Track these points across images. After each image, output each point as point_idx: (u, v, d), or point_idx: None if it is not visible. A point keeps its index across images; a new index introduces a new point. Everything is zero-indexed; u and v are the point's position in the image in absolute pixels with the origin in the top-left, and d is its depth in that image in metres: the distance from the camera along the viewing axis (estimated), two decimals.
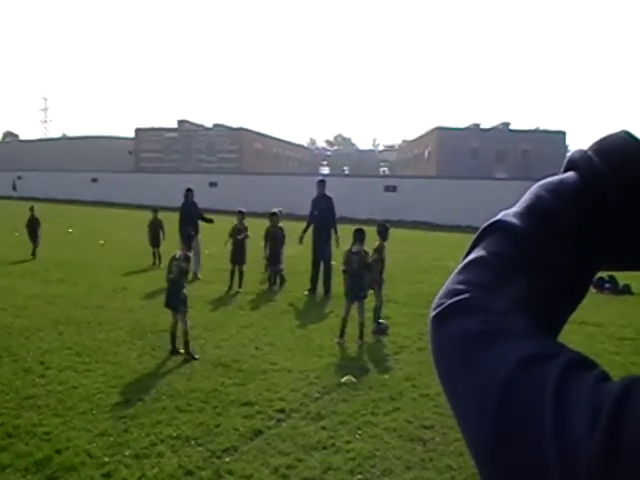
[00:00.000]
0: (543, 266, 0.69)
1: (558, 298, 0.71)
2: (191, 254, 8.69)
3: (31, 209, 18.18)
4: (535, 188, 0.75)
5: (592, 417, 0.52)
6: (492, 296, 0.67)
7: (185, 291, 8.48)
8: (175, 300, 8.28)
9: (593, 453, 0.50)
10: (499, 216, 0.75)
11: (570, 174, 0.74)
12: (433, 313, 0.70)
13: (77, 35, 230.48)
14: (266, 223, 14.29)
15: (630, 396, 0.52)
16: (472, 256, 0.73)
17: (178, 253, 8.51)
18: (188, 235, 8.82)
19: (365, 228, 9.80)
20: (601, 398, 0.53)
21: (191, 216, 14.73)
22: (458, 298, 0.68)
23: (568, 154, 0.78)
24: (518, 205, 0.75)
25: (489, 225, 0.74)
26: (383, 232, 10.19)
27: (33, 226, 17.94)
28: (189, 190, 15.39)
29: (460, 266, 0.73)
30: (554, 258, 0.69)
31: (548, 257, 0.69)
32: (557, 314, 0.72)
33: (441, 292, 0.72)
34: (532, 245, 0.69)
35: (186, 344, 8.15)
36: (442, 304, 0.70)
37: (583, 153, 0.74)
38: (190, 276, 11.58)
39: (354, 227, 9.80)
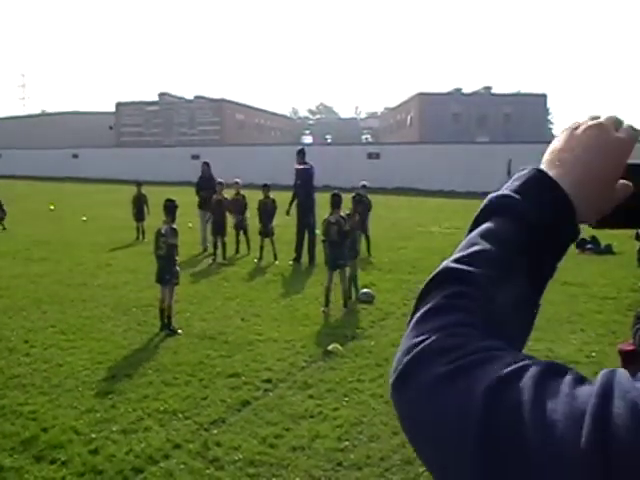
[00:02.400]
0: (494, 299, 0.69)
1: (515, 319, 0.71)
2: (175, 226, 8.41)
3: None
4: (471, 237, 0.76)
5: (576, 422, 0.52)
6: (450, 334, 0.65)
7: (177, 267, 8.40)
8: (167, 274, 8.21)
9: (584, 453, 0.50)
10: (443, 264, 0.74)
11: (500, 219, 0.75)
12: (393, 377, 0.66)
13: (54, 9, 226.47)
14: (250, 195, 14.28)
15: (610, 398, 0.52)
16: (424, 308, 0.70)
17: (164, 228, 8.30)
18: (171, 206, 8.45)
19: (350, 197, 9.77)
20: (581, 402, 0.53)
21: (207, 189, 14.58)
22: (419, 348, 0.65)
23: (487, 199, 0.78)
24: (458, 252, 0.75)
25: (436, 274, 0.72)
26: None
27: None
28: (205, 163, 15.28)
29: (413, 321, 0.70)
30: (502, 288, 0.70)
31: (497, 289, 0.70)
32: (518, 334, 0.73)
33: (397, 353, 0.68)
34: (480, 282, 0.70)
35: (169, 319, 8.12)
36: (400, 363, 0.66)
37: (506, 196, 0.76)
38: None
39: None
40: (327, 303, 9.12)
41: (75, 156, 51.93)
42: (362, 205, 12.53)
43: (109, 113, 75.33)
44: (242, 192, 14.31)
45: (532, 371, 0.58)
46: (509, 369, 0.59)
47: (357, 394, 6.16)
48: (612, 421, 0.50)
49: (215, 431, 5.35)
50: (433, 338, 0.65)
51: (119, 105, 74.55)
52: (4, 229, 17.31)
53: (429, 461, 0.63)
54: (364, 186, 13.71)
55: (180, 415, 5.66)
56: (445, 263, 0.74)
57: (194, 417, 5.61)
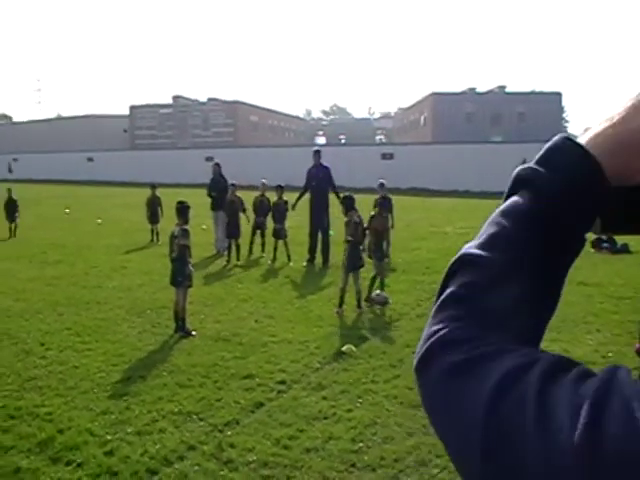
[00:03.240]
0: (512, 288, 0.69)
1: (534, 311, 0.71)
2: (188, 227, 8.42)
3: (8, 191, 18.09)
4: (493, 216, 0.76)
5: (573, 417, 0.52)
6: (466, 325, 0.68)
7: (191, 267, 8.41)
8: (180, 276, 8.23)
9: (573, 452, 0.51)
10: (463, 250, 0.75)
11: (523, 195, 0.74)
12: (415, 362, 0.70)
13: (69, 15, 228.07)
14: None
15: (607, 394, 0.53)
16: (444, 295, 0.73)
17: (176, 229, 8.32)
18: (183, 208, 8.42)
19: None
20: (581, 397, 0.54)
21: (219, 190, 14.62)
22: (437, 336, 0.68)
23: (514, 172, 0.76)
24: (479, 236, 0.75)
25: (455, 261, 0.74)
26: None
27: (11, 207, 17.92)
28: (216, 164, 15.30)
29: (434, 309, 0.73)
30: (522, 279, 0.70)
31: (516, 279, 0.70)
32: (535, 325, 0.72)
33: (421, 340, 0.71)
34: (498, 271, 0.70)
35: (182, 321, 8.14)
36: (421, 350, 0.70)
37: (530, 169, 0.74)
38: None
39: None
40: (341, 304, 9.12)
41: (90, 159, 52.27)
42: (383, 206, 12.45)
43: (123, 116, 75.75)
44: (266, 194, 14.27)
45: (540, 365, 0.59)
46: (518, 363, 0.60)
47: (371, 395, 6.15)
48: (606, 418, 0.51)
49: (229, 432, 5.36)
50: (449, 328, 0.68)
51: (133, 108, 74.93)
52: (14, 236, 17.45)
53: (445, 441, 0.65)
54: (382, 184, 13.43)
55: (194, 416, 5.67)
56: (466, 247, 0.74)
57: (208, 418, 5.63)
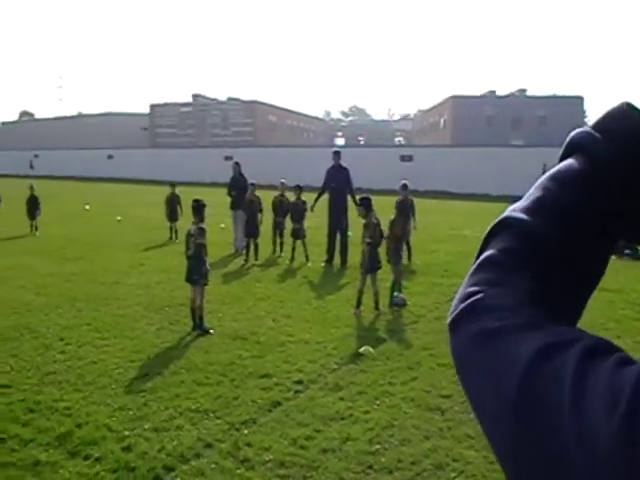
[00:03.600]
0: (555, 259, 0.67)
1: (573, 287, 0.69)
2: (204, 226, 8.45)
3: (30, 188, 18.23)
4: (542, 180, 0.72)
5: (612, 401, 0.50)
6: (506, 293, 0.66)
7: (207, 265, 8.44)
8: (196, 274, 8.26)
9: (613, 436, 0.48)
10: (507, 212, 0.73)
11: (576, 159, 0.71)
12: (449, 319, 0.69)
13: (91, 13, 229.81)
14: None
15: None
16: (483, 257, 0.71)
17: (192, 228, 8.36)
18: (198, 206, 8.45)
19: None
20: (621, 382, 0.51)
21: (238, 189, 14.68)
22: (471, 300, 0.67)
23: (569, 135, 0.73)
24: (525, 199, 0.72)
25: (497, 223, 0.72)
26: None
27: (32, 205, 18.08)
28: (236, 163, 15.34)
29: (472, 268, 0.72)
30: (566, 249, 0.67)
31: (559, 248, 0.67)
32: (574, 301, 0.70)
33: (455, 298, 0.71)
34: (542, 238, 0.68)
35: (200, 319, 8.17)
36: (456, 309, 0.69)
37: (587, 133, 0.70)
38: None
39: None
40: (359, 305, 9.10)
41: (110, 157, 52.63)
42: (405, 209, 12.39)
43: (143, 114, 76.20)
44: (286, 194, 14.34)
45: (580, 344, 0.57)
46: (556, 339, 0.59)
47: (388, 397, 6.12)
48: None
49: (246, 431, 5.37)
50: (485, 293, 0.67)
51: (153, 106, 75.35)
52: (36, 230, 17.64)
53: (471, 400, 0.65)
54: (405, 186, 13.30)
55: (211, 414, 5.68)
56: (509, 210, 0.73)
57: (225, 417, 5.64)
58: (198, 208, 8.41)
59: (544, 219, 0.68)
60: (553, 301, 0.66)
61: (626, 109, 0.69)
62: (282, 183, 14.37)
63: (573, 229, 0.67)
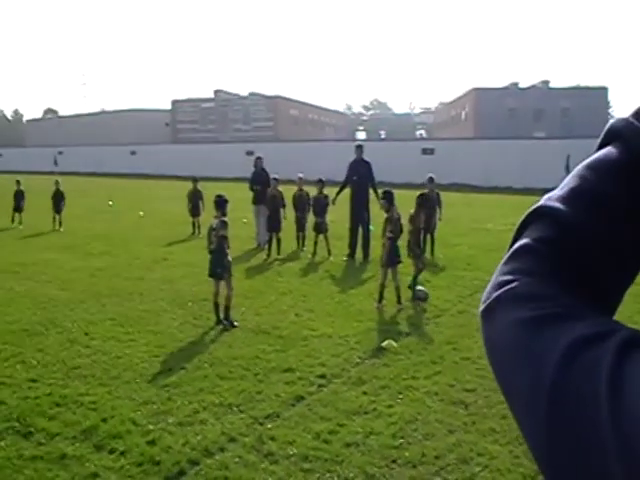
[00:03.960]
0: (591, 250, 0.65)
1: (610, 279, 0.67)
2: (226, 219, 8.50)
3: (56, 183, 18.46)
4: (579, 168, 0.70)
5: None
6: (540, 282, 0.65)
7: (229, 258, 8.49)
8: (219, 267, 8.30)
9: None
10: (542, 201, 0.71)
11: (613, 147, 0.68)
12: (482, 307, 0.69)
13: (114, 10, 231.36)
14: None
15: None
16: (517, 245, 0.70)
17: (215, 222, 8.41)
18: (221, 201, 8.51)
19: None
20: None
21: (261, 184, 14.73)
22: (505, 288, 0.66)
23: (609, 123, 0.71)
24: (561, 187, 0.70)
25: (532, 212, 0.70)
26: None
27: (57, 199, 18.29)
28: (258, 158, 15.38)
29: (506, 256, 0.70)
30: (603, 240, 0.65)
31: (596, 240, 0.65)
32: (610, 294, 0.68)
33: (488, 286, 0.70)
34: (578, 229, 0.66)
35: (227, 310, 8.21)
36: (489, 297, 0.68)
37: (626, 122, 0.68)
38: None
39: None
40: (381, 299, 9.08)
41: (133, 153, 53.04)
42: (430, 201, 12.42)
43: (165, 110, 76.67)
44: (304, 188, 14.36)
45: (616, 337, 0.55)
46: (593, 330, 0.57)
47: (412, 391, 6.10)
48: None
49: (269, 425, 5.38)
50: (520, 282, 0.66)
51: (175, 102, 75.78)
52: (60, 225, 17.83)
53: (503, 389, 0.64)
54: (431, 179, 13.42)
55: (235, 409, 5.70)
56: (545, 199, 0.71)
57: (249, 411, 5.65)
58: (220, 203, 8.46)
59: (580, 208, 0.67)
60: (589, 292, 0.65)
61: None
62: (300, 178, 14.35)
63: (609, 219, 0.65)
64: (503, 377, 0.64)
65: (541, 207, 0.70)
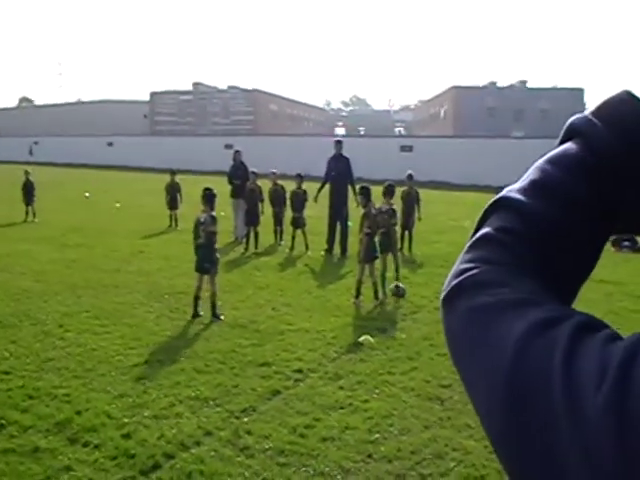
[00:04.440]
0: (551, 240, 0.67)
1: (569, 268, 0.69)
2: (213, 213, 8.48)
3: (26, 173, 18.09)
4: (539, 162, 0.73)
5: (599, 374, 0.51)
6: (501, 270, 0.66)
7: (217, 254, 8.48)
8: (207, 262, 8.28)
9: (598, 409, 0.49)
10: (503, 192, 0.72)
11: (574, 143, 0.71)
12: (442, 295, 0.69)
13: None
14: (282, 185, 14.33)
15: (637, 352, 0.51)
16: (478, 234, 0.71)
17: (203, 216, 8.34)
18: (210, 195, 8.47)
19: (381, 189, 9.78)
20: (609, 356, 0.52)
21: (239, 178, 14.65)
22: (466, 275, 0.67)
23: (569, 120, 0.74)
24: (522, 180, 0.72)
25: (494, 202, 0.72)
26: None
27: (28, 190, 17.88)
28: (237, 152, 15.32)
29: (467, 246, 0.72)
30: (562, 230, 0.67)
31: (556, 230, 0.67)
32: (569, 283, 0.70)
33: (449, 275, 0.70)
34: (538, 219, 0.68)
35: (213, 306, 8.19)
36: (450, 284, 0.69)
37: (586, 119, 0.71)
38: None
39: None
40: (358, 295, 9.09)
41: (110, 144, 52.49)
42: (409, 198, 12.53)
43: (144, 102, 75.99)
44: (279, 182, 14.32)
45: (571, 321, 0.57)
46: (549, 315, 0.59)
47: (388, 387, 6.13)
48: (633, 378, 0.49)
49: (246, 419, 5.37)
50: (480, 269, 0.66)
51: (154, 94, 75.10)
52: (33, 219, 17.49)
53: (462, 375, 0.65)
54: (410, 176, 13.49)
55: (211, 402, 5.69)
56: (506, 191, 0.72)
57: (225, 405, 5.64)
58: (209, 197, 8.45)
59: (541, 200, 0.68)
60: (548, 281, 0.66)
61: (626, 97, 0.69)
62: (273, 173, 14.35)
63: (569, 212, 0.67)
64: (462, 363, 0.65)
65: (502, 198, 0.71)
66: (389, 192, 9.86)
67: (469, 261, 0.69)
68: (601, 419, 0.49)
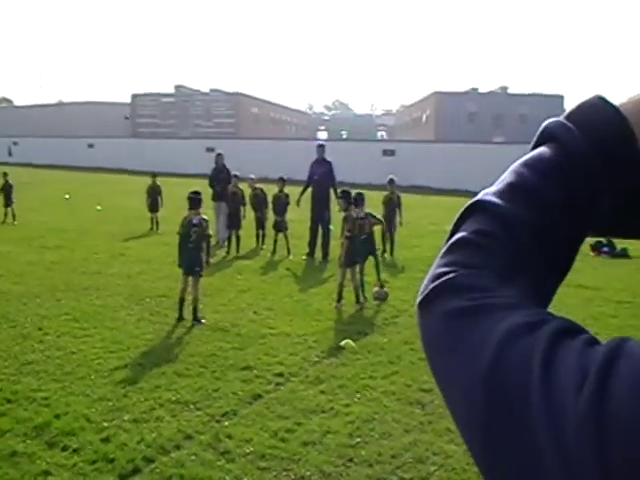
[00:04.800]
0: (527, 243, 0.67)
1: (545, 271, 0.69)
2: (205, 217, 8.45)
3: (4, 175, 17.92)
4: (515, 165, 0.73)
5: (579, 379, 0.51)
6: (476, 273, 0.66)
7: (202, 254, 8.46)
8: (197, 266, 8.25)
9: (579, 414, 0.49)
10: (479, 196, 0.73)
11: (547, 147, 0.72)
12: (419, 298, 0.69)
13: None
14: (264, 189, 14.30)
15: (616, 357, 0.51)
16: (455, 238, 0.71)
17: (196, 218, 8.32)
18: (196, 198, 8.46)
19: (364, 193, 9.78)
20: (588, 361, 0.53)
21: (221, 181, 14.59)
22: (442, 279, 0.67)
23: (543, 124, 0.74)
24: (498, 183, 0.73)
25: (470, 205, 0.72)
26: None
27: (7, 192, 17.67)
28: (219, 155, 15.27)
29: (443, 249, 0.71)
30: (538, 233, 0.68)
31: (531, 233, 0.68)
32: (545, 286, 0.70)
33: (426, 278, 0.70)
34: (515, 222, 0.68)
35: (195, 310, 8.15)
36: (427, 288, 0.68)
37: (560, 123, 0.72)
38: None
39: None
40: (340, 299, 9.10)
41: (91, 146, 52.07)
42: (391, 203, 12.56)
43: (125, 104, 75.53)
44: (259, 186, 14.26)
45: (549, 326, 0.57)
46: (526, 320, 0.59)
47: (369, 391, 6.14)
48: (613, 381, 0.49)
49: (226, 423, 5.35)
50: (457, 273, 0.66)
51: (135, 96, 74.69)
52: (13, 218, 17.29)
53: (439, 380, 0.65)
54: (392, 180, 13.52)
55: (192, 406, 5.66)
56: (482, 194, 0.73)
57: (206, 408, 5.62)
58: (196, 200, 8.47)
59: (517, 203, 0.69)
60: (524, 284, 0.66)
61: (598, 102, 0.71)
62: (252, 179, 14.31)
63: (545, 215, 0.68)
64: (439, 368, 0.65)
65: (479, 201, 0.72)
66: (358, 202, 9.60)
67: (445, 265, 0.68)
68: (581, 424, 0.49)
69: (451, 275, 0.66)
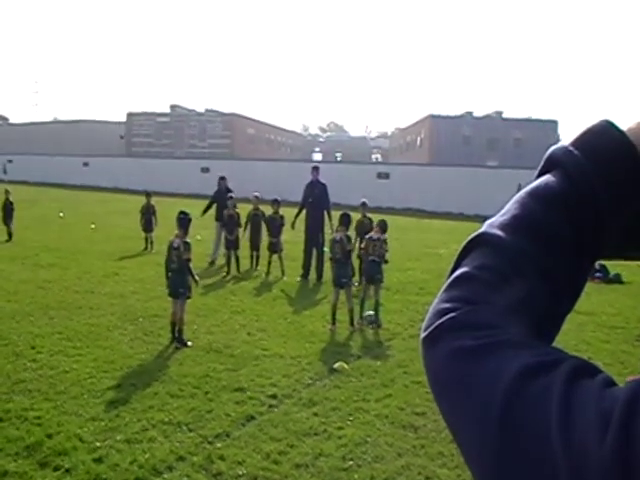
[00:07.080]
0: (532, 277, 0.66)
1: (551, 306, 0.68)
2: (189, 239, 8.39)
3: (6, 192, 17.91)
4: (520, 195, 0.72)
5: (601, 424, 0.50)
6: (482, 310, 0.65)
7: (196, 277, 8.46)
8: (182, 287, 8.19)
9: (604, 461, 0.49)
10: (483, 228, 0.72)
11: (553, 175, 0.70)
12: (423, 335, 0.68)
13: (69, 18, 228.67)
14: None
15: (637, 402, 0.51)
16: (458, 272, 0.70)
17: (176, 242, 8.24)
18: (185, 219, 8.36)
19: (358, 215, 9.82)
20: (609, 404, 0.51)
21: (223, 205, 14.47)
22: (447, 317, 0.66)
23: (548, 151, 0.73)
24: (502, 214, 0.72)
25: (473, 238, 0.71)
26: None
27: (7, 210, 17.66)
28: (222, 178, 15.24)
29: (447, 283, 0.70)
30: (543, 268, 0.67)
31: (537, 268, 0.66)
32: (551, 321, 0.69)
33: (429, 312, 0.69)
34: (519, 257, 0.67)
35: (179, 332, 8.10)
36: (431, 325, 0.67)
37: (566, 150, 0.70)
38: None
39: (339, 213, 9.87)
40: (334, 321, 9.10)
41: (86, 164, 52.07)
42: (362, 227, 12.19)
43: (120, 123, 75.74)
44: (261, 208, 14.18)
45: (563, 366, 0.57)
46: (539, 359, 0.58)
47: (362, 414, 6.13)
48: (636, 425, 0.49)
49: (219, 445, 5.33)
50: (462, 310, 0.65)
51: (130, 115, 74.91)
52: (9, 240, 17.19)
53: (449, 421, 0.64)
54: (364, 204, 12.92)
55: (184, 427, 5.64)
56: (486, 225, 0.72)
57: (198, 430, 5.60)
58: (184, 221, 8.36)
59: (521, 236, 0.67)
60: (531, 320, 0.65)
61: (606, 126, 0.69)
62: (256, 197, 14.27)
63: (551, 249, 0.67)
64: (448, 408, 0.64)
65: (483, 234, 0.71)
66: (344, 221, 9.63)
67: (449, 300, 0.67)
68: (607, 471, 0.48)
69: (456, 312, 0.65)
